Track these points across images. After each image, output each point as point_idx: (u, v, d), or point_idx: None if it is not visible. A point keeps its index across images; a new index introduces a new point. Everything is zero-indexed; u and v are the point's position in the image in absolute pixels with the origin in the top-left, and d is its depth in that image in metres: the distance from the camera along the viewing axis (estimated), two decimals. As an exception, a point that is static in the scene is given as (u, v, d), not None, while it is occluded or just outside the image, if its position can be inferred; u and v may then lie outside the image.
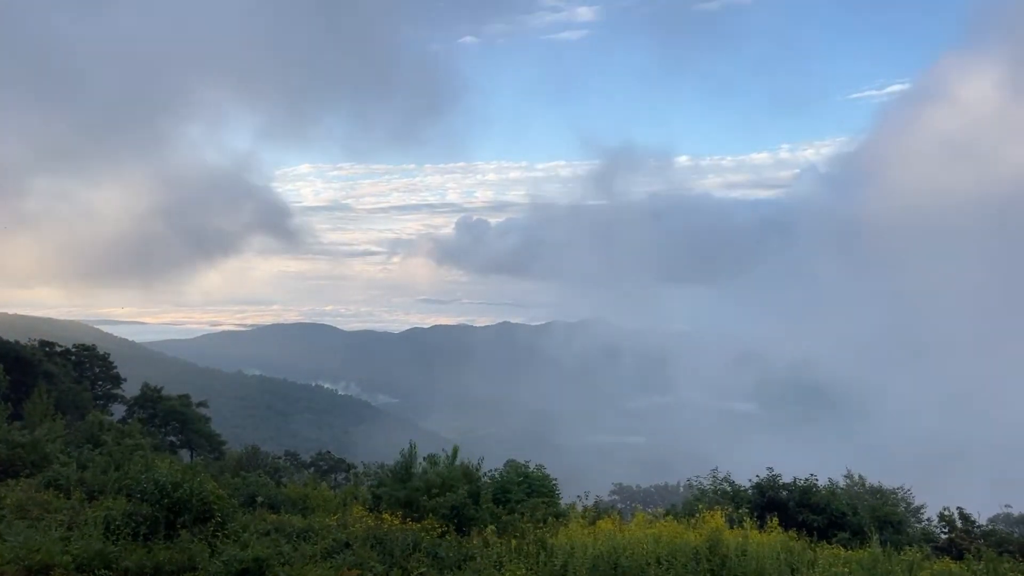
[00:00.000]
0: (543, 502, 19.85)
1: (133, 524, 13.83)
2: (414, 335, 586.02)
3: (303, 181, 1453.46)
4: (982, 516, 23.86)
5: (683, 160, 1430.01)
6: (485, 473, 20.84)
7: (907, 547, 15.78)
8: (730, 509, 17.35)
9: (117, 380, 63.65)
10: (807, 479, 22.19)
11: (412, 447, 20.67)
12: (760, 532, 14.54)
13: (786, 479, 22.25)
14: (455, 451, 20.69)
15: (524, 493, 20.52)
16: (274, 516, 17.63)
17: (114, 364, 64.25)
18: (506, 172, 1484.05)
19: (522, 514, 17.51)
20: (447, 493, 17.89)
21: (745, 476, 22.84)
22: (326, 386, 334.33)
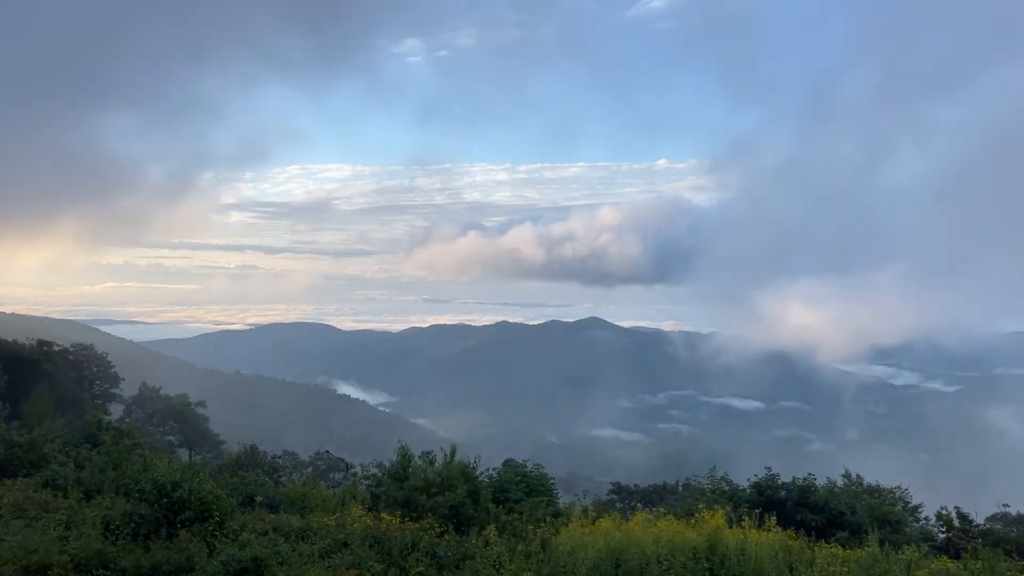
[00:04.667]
0: (542, 502, 19.87)
1: (131, 524, 13.83)
2: (413, 335, 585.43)
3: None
4: (979, 515, 23.87)
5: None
6: (483, 472, 20.84)
7: (905, 546, 15.78)
8: (728, 509, 17.34)
9: (115, 380, 63.55)
10: (805, 478, 22.22)
11: (404, 448, 20.66)
12: (759, 531, 14.52)
13: (785, 478, 22.28)
14: (453, 450, 20.69)
15: (523, 492, 20.53)
16: (272, 516, 17.61)
17: (112, 364, 64.14)
18: (491, 175, 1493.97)
19: (521, 513, 17.50)
20: (446, 492, 17.89)
21: (744, 475, 22.87)
22: (325, 386, 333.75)
